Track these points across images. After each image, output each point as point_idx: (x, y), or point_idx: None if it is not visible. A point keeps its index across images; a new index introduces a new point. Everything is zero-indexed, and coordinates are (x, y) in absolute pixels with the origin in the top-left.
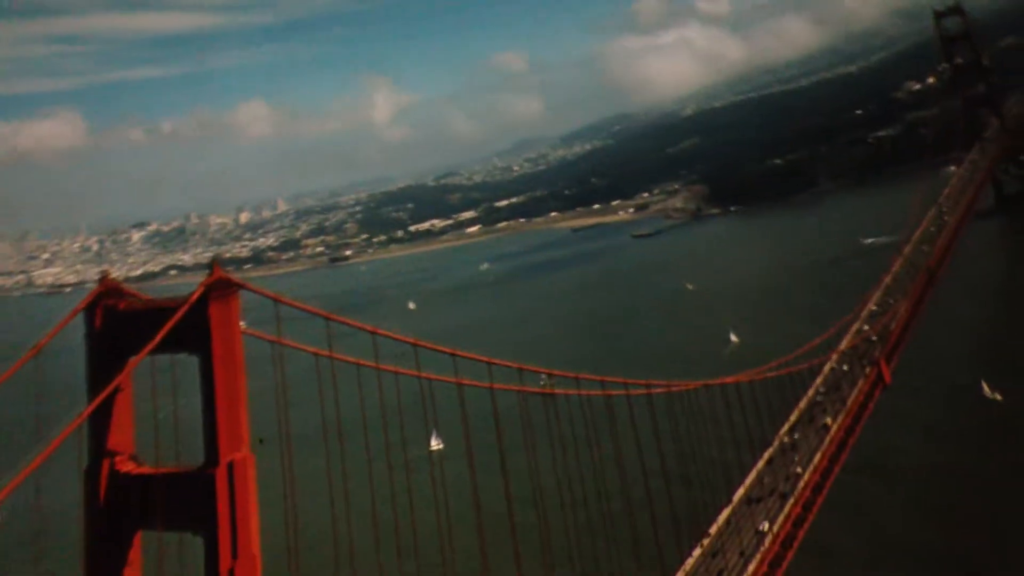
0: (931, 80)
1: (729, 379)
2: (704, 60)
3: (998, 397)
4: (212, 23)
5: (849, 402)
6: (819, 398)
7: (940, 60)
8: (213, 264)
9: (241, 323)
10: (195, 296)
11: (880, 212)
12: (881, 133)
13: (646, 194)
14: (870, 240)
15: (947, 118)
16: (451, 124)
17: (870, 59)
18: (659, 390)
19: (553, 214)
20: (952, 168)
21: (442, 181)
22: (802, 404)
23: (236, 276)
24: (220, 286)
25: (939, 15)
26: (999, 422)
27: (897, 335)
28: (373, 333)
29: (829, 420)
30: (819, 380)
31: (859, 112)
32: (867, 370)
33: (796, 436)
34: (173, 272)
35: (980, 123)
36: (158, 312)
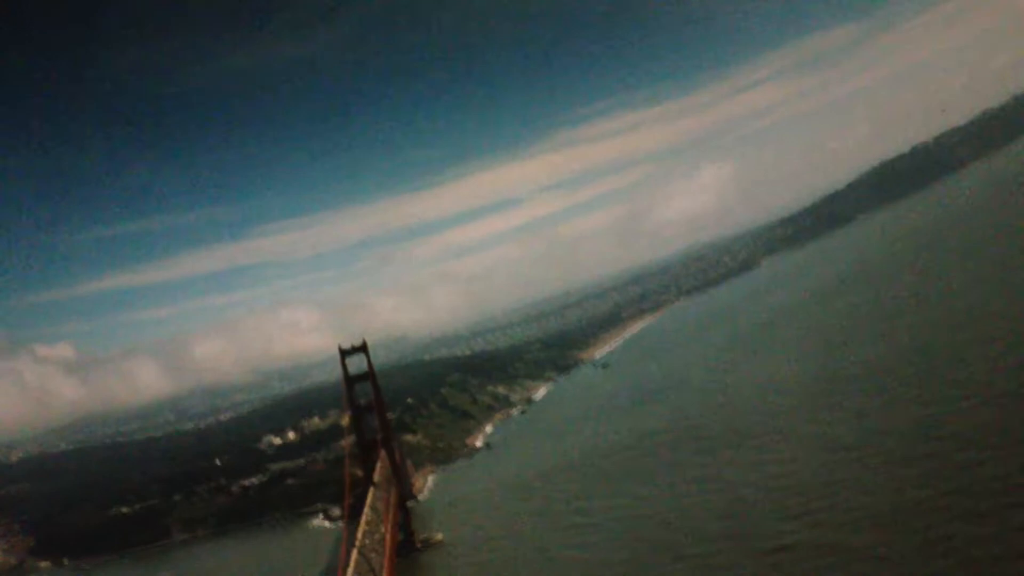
0: (292, 436)
1: None
2: (37, 401)
3: None
4: None
5: None
6: None
7: (344, 397)
8: None
9: None
10: None
11: (243, 561)
12: (246, 482)
13: None
14: None
15: (313, 470)
16: None
17: (221, 415)
18: None
19: None
20: (320, 517)
21: None
22: None
23: None
24: None
25: (344, 352)
26: None
27: None
28: None
29: None
30: None
31: (219, 462)
32: None
33: None
34: None
35: (372, 466)
36: None
